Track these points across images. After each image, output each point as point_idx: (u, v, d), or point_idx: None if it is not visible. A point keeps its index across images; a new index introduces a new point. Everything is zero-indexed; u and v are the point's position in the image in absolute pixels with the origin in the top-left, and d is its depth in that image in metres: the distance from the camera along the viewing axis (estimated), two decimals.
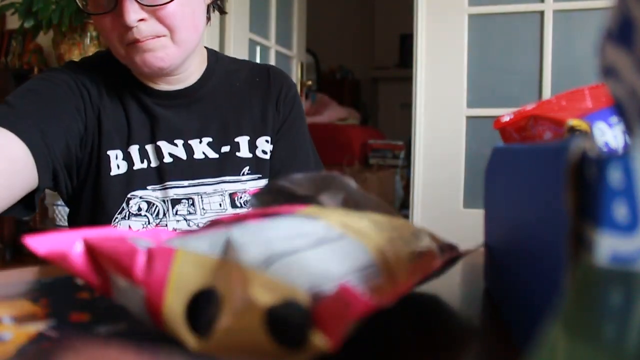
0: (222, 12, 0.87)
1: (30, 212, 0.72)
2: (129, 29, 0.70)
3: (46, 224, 2.49)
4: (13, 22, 2.66)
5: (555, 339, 0.16)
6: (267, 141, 0.84)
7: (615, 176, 0.17)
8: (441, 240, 0.37)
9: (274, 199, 0.37)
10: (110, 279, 0.27)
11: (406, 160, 3.55)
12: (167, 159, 0.77)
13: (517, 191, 0.29)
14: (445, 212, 2.12)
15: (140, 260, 0.26)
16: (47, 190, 0.77)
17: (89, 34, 2.18)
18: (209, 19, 0.83)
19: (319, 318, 0.22)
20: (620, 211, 0.17)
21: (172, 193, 0.76)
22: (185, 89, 0.81)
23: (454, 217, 2.10)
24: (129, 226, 0.75)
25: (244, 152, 0.81)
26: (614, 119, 0.47)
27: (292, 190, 0.37)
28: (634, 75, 0.22)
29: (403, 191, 3.64)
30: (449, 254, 0.36)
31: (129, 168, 0.76)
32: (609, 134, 0.47)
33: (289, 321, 0.23)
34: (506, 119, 0.56)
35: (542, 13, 2.05)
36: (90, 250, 0.27)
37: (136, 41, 0.71)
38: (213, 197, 0.78)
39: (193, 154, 0.79)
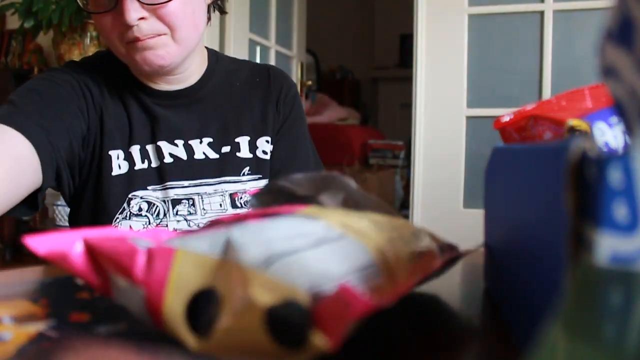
0: (222, 12, 0.87)
1: (33, 211, 0.72)
2: (129, 27, 0.70)
3: (46, 224, 2.49)
4: (13, 22, 2.66)
5: (555, 339, 0.16)
6: (267, 141, 0.84)
7: (615, 176, 0.17)
8: (441, 240, 0.37)
9: (274, 199, 0.37)
10: (110, 279, 0.27)
11: (406, 160, 3.55)
12: (168, 159, 0.77)
13: (517, 191, 0.29)
14: (445, 212, 2.12)
15: (140, 260, 0.26)
16: (48, 190, 0.77)
17: (89, 34, 2.18)
18: (209, 18, 0.83)
19: (319, 318, 0.22)
20: (620, 211, 0.17)
21: (173, 193, 0.76)
22: (186, 89, 0.81)
23: (454, 217, 2.10)
24: (130, 226, 0.75)
25: (244, 153, 0.81)
26: (614, 119, 0.47)
27: (292, 190, 0.37)
28: (634, 75, 0.22)
29: (403, 191, 3.64)
30: (449, 254, 0.36)
31: (130, 168, 0.76)
32: (609, 134, 0.47)
33: (289, 321, 0.23)
34: (506, 119, 0.56)
35: (542, 13, 2.05)
36: (90, 250, 0.27)
37: (136, 40, 0.71)
38: (213, 198, 0.78)
39: (193, 154, 0.79)
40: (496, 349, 0.30)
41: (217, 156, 0.80)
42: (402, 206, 3.53)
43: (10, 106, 0.69)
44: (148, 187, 0.76)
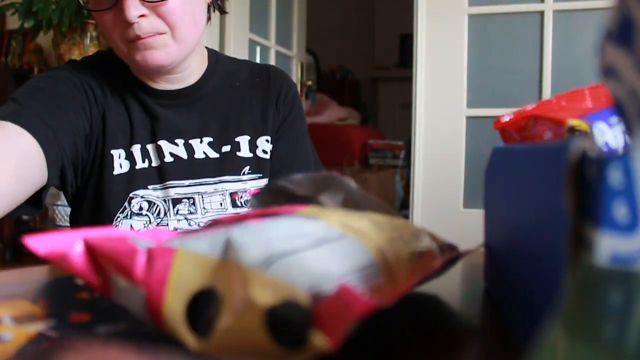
0: (222, 12, 0.87)
1: (37, 210, 0.72)
2: (130, 25, 0.70)
3: (46, 224, 2.49)
4: (13, 22, 2.66)
5: (555, 339, 0.16)
6: (267, 141, 0.84)
7: (615, 176, 0.17)
8: (441, 240, 0.38)
9: (274, 199, 0.37)
10: (110, 279, 0.27)
11: (406, 160, 3.55)
12: (168, 159, 0.77)
13: (517, 191, 0.29)
14: (445, 212, 2.12)
15: (140, 260, 0.26)
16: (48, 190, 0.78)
17: (89, 34, 2.18)
18: (209, 18, 0.83)
19: (319, 318, 0.22)
20: (620, 211, 0.17)
21: (173, 192, 0.77)
22: (186, 88, 0.81)
23: (454, 217, 2.10)
24: (131, 225, 0.75)
25: (245, 152, 0.82)
26: (614, 119, 0.47)
27: (292, 190, 0.37)
28: (634, 75, 0.22)
29: (403, 191, 3.64)
30: (449, 254, 0.36)
31: (131, 167, 0.76)
32: (609, 134, 0.47)
33: (289, 321, 0.23)
34: (506, 119, 0.56)
35: (542, 13, 2.05)
36: (90, 250, 0.27)
37: (137, 38, 0.71)
38: (214, 197, 0.78)
39: (194, 153, 0.79)
40: (496, 349, 0.30)
41: (217, 155, 0.80)
42: (402, 206, 3.53)
43: (15, 104, 0.69)
44: (149, 187, 0.76)
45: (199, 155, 0.79)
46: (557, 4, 2.03)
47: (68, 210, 0.82)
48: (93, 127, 0.76)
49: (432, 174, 2.16)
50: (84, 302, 0.35)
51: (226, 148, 0.81)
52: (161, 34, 0.72)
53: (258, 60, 2.46)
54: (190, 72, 0.81)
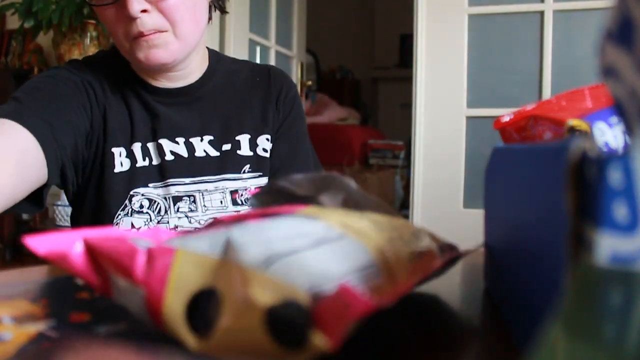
0: (223, 11, 0.88)
1: (38, 208, 0.72)
2: (132, 20, 0.71)
3: (46, 224, 2.49)
4: (13, 22, 2.66)
5: (555, 339, 0.16)
6: (267, 139, 0.84)
7: (615, 176, 0.17)
8: (441, 240, 0.38)
9: (274, 199, 0.37)
10: (110, 279, 0.27)
11: (406, 160, 3.55)
12: (169, 157, 0.78)
13: (517, 191, 0.29)
14: (445, 212, 2.12)
15: (140, 260, 0.26)
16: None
17: (89, 34, 2.18)
18: (210, 18, 0.83)
19: (319, 318, 0.22)
20: (620, 211, 0.17)
21: (174, 190, 0.77)
22: (187, 86, 0.82)
23: (454, 217, 2.10)
24: (131, 223, 0.75)
25: (245, 150, 0.82)
26: (614, 119, 0.47)
27: (292, 190, 0.37)
28: (634, 75, 0.22)
29: (403, 191, 3.64)
30: (449, 254, 0.36)
31: (132, 165, 0.77)
32: (609, 134, 0.47)
33: (289, 321, 0.23)
34: (506, 119, 0.56)
35: (542, 13, 2.05)
36: (90, 250, 0.27)
37: (140, 35, 0.72)
38: (214, 195, 0.79)
39: (194, 151, 0.80)
40: (496, 349, 0.30)
41: (217, 154, 0.81)
42: (402, 206, 3.53)
43: (16, 103, 0.69)
44: (149, 185, 0.77)
45: (199, 153, 0.80)
46: (557, 4, 2.03)
47: (68, 210, 0.83)
48: (94, 126, 0.76)
49: (432, 174, 2.16)
50: (84, 302, 0.35)
51: (227, 146, 0.81)
52: (163, 31, 0.73)
53: (258, 60, 2.46)
54: (192, 70, 0.82)
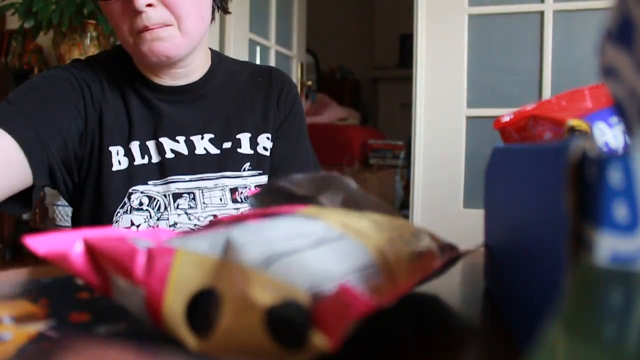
0: (226, 12, 0.89)
1: (26, 209, 0.73)
2: (138, 14, 0.72)
3: (46, 224, 2.49)
4: (13, 22, 2.66)
5: (555, 339, 0.16)
6: (268, 138, 0.85)
7: (615, 176, 0.17)
8: (441, 240, 0.37)
9: (274, 199, 0.37)
10: (110, 279, 0.27)
11: (406, 160, 3.55)
12: (169, 155, 0.79)
13: (517, 191, 0.29)
14: (445, 212, 2.12)
15: (140, 260, 0.26)
16: (47, 190, 0.79)
17: (89, 34, 2.18)
18: (213, 18, 0.84)
19: (319, 318, 0.22)
20: (620, 211, 0.17)
21: (174, 187, 0.78)
22: (189, 85, 0.83)
23: (454, 217, 2.10)
24: (131, 220, 0.76)
25: (245, 149, 0.83)
26: (614, 119, 0.47)
27: (292, 190, 0.37)
28: (634, 75, 0.22)
29: (403, 191, 3.64)
30: (449, 254, 0.36)
31: (130, 164, 0.77)
32: (609, 134, 0.47)
33: (289, 321, 0.23)
34: (506, 119, 0.56)
35: (542, 13, 2.05)
36: (90, 250, 0.27)
37: (145, 28, 0.72)
38: (214, 192, 0.79)
39: (194, 149, 0.80)
40: (496, 349, 0.30)
41: (218, 152, 0.81)
42: (402, 206, 3.53)
43: (6, 104, 0.71)
44: (149, 182, 0.77)
45: (199, 151, 0.80)
46: (557, 4, 2.03)
47: (68, 210, 0.84)
48: (88, 126, 0.77)
49: (432, 174, 2.16)
50: (84, 302, 0.35)
51: (227, 144, 0.82)
52: (168, 25, 0.74)
53: (258, 60, 2.46)
54: (194, 68, 0.83)
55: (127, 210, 0.76)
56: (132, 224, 0.76)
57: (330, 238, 0.28)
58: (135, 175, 0.77)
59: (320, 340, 0.22)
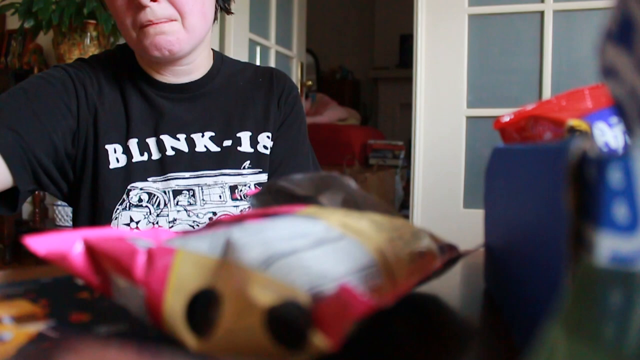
0: (228, 12, 0.89)
1: (10, 211, 0.74)
2: (142, 8, 0.72)
3: (46, 224, 2.49)
4: (13, 22, 2.67)
5: (555, 339, 0.16)
6: (268, 137, 0.86)
7: (615, 176, 0.17)
8: (441, 240, 0.37)
9: (274, 199, 0.37)
10: (110, 279, 0.27)
11: (406, 160, 3.55)
12: (170, 152, 0.79)
13: (517, 191, 0.29)
14: (445, 212, 2.12)
15: (140, 260, 0.26)
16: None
17: (89, 34, 2.18)
18: (216, 18, 0.84)
19: (319, 318, 0.22)
20: (620, 211, 0.17)
21: (174, 184, 0.78)
22: (191, 83, 0.83)
23: (454, 217, 2.10)
24: (130, 217, 0.76)
25: (245, 147, 0.83)
26: (614, 119, 0.47)
27: (292, 190, 0.37)
28: (634, 75, 0.22)
29: (403, 191, 3.64)
30: (449, 254, 0.36)
31: (129, 161, 0.77)
32: (609, 134, 0.47)
33: (289, 321, 0.23)
34: (506, 119, 0.56)
35: (542, 13, 2.05)
36: (90, 250, 0.27)
37: (149, 22, 0.73)
38: (213, 189, 0.80)
39: (195, 146, 0.81)
40: (496, 349, 0.30)
41: (218, 149, 0.82)
42: (402, 206, 3.53)
43: None
44: (148, 179, 0.78)
45: (199, 148, 0.81)
46: (557, 4, 2.03)
47: (68, 210, 0.84)
48: (81, 125, 0.77)
49: (432, 174, 2.16)
50: (84, 302, 0.35)
51: (227, 142, 0.82)
52: (172, 20, 0.74)
53: (258, 61, 2.46)
54: (196, 66, 0.83)
55: (126, 206, 0.76)
56: (132, 220, 0.76)
57: (330, 238, 0.28)
58: (134, 172, 0.77)
59: (320, 341, 0.22)
